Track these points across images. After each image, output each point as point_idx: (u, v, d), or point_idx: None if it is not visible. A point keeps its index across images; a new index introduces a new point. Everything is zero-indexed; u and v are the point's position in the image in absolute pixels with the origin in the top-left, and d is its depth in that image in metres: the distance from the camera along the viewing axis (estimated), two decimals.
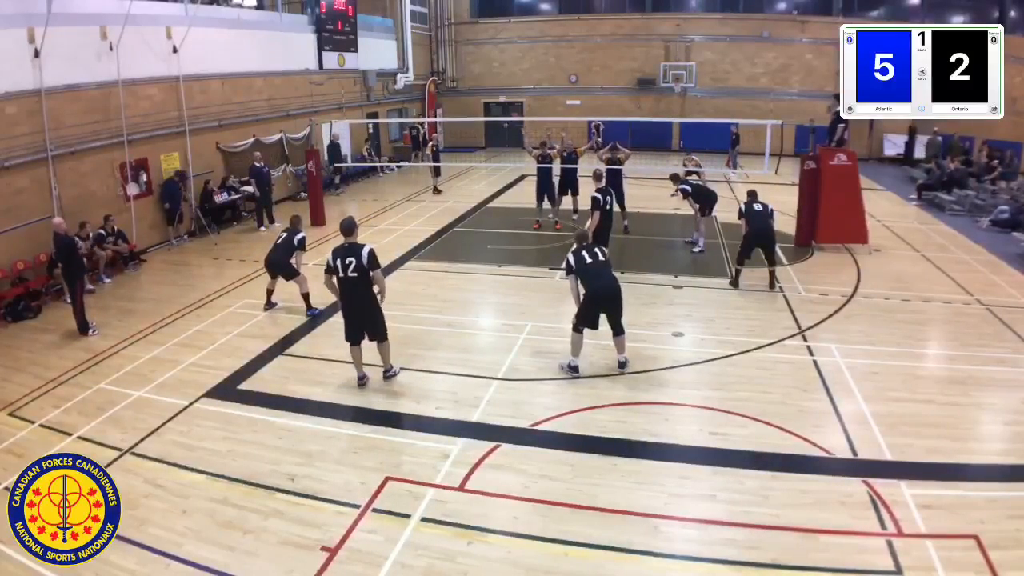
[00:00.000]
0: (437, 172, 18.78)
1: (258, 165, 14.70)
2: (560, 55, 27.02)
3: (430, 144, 19.07)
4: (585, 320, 7.36)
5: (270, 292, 9.75)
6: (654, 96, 26.08)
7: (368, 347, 7.32)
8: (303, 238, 9.43)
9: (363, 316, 7.08)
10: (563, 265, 7.69)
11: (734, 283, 10.42)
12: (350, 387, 7.32)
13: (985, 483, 5.42)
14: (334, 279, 7.03)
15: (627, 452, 5.99)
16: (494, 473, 5.72)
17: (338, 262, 6.88)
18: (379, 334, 7.21)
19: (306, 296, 9.45)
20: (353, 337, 7.19)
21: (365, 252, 6.85)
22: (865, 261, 11.69)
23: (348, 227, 7.04)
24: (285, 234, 9.47)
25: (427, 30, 27.06)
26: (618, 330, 7.43)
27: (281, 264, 9.38)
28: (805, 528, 4.93)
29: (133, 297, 10.71)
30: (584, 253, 7.42)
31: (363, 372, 7.36)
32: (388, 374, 7.45)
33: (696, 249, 12.35)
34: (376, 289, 7.05)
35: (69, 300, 9.20)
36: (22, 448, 6.20)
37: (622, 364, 7.56)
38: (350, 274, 6.86)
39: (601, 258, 7.43)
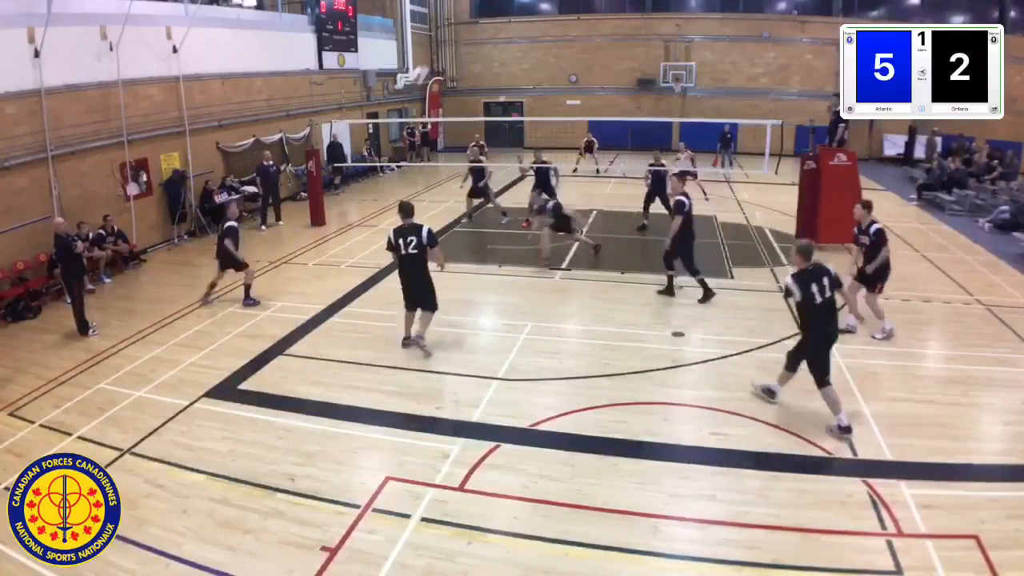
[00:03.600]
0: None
1: (266, 164, 14.74)
2: (560, 55, 27.00)
3: (472, 145, 15.82)
4: (825, 368, 6.19)
5: (212, 285, 10.04)
6: (654, 96, 26.07)
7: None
8: (229, 227, 9.66)
9: (416, 289, 7.96)
10: (784, 290, 6.43)
11: (669, 291, 9.89)
12: (350, 387, 7.33)
13: (985, 483, 5.42)
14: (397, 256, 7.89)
15: (627, 452, 5.99)
16: (494, 473, 5.72)
17: (399, 240, 7.77)
18: (428, 305, 8.03)
19: (247, 287, 9.90)
20: (409, 305, 8.14)
21: (425, 231, 7.76)
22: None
23: (408, 209, 7.94)
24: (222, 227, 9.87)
25: (427, 30, 27.04)
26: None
27: (221, 254, 9.77)
28: (805, 528, 4.93)
29: (133, 297, 10.71)
30: (814, 287, 6.08)
31: (408, 334, 8.17)
32: (420, 342, 8.07)
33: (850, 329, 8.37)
34: (434, 265, 7.98)
35: (69, 300, 9.21)
36: (22, 448, 6.20)
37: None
38: (411, 251, 7.74)
39: (828, 294, 6.14)
